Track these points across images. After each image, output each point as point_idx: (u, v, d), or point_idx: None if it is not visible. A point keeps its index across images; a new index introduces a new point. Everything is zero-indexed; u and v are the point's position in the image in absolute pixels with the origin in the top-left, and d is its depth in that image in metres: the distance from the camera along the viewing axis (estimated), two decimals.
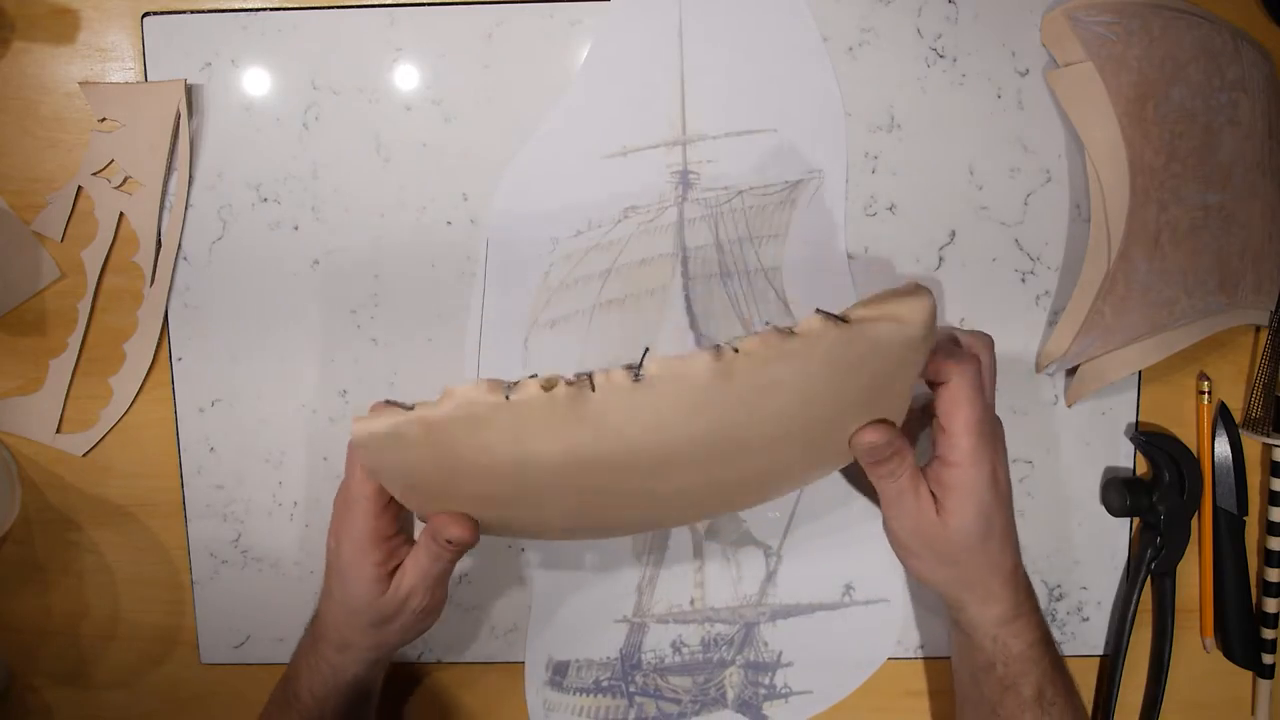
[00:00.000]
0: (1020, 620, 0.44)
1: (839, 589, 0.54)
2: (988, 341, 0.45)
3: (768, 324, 0.52)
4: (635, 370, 0.36)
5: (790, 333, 0.37)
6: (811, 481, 0.48)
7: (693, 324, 0.52)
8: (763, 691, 0.54)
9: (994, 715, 0.45)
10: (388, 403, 0.39)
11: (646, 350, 0.38)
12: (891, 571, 0.54)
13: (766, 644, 0.54)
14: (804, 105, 0.51)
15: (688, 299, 0.52)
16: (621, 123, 0.51)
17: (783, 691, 0.54)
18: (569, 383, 0.37)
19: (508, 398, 0.37)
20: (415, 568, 0.43)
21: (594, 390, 0.36)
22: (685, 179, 0.51)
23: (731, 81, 0.51)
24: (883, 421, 0.41)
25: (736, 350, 0.36)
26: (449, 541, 0.41)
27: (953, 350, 0.42)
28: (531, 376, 0.37)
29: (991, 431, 0.42)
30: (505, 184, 0.51)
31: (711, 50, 0.50)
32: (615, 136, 0.51)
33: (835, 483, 0.53)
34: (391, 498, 0.42)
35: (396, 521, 0.44)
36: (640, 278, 0.52)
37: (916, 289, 0.38)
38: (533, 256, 0.52)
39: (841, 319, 0.37)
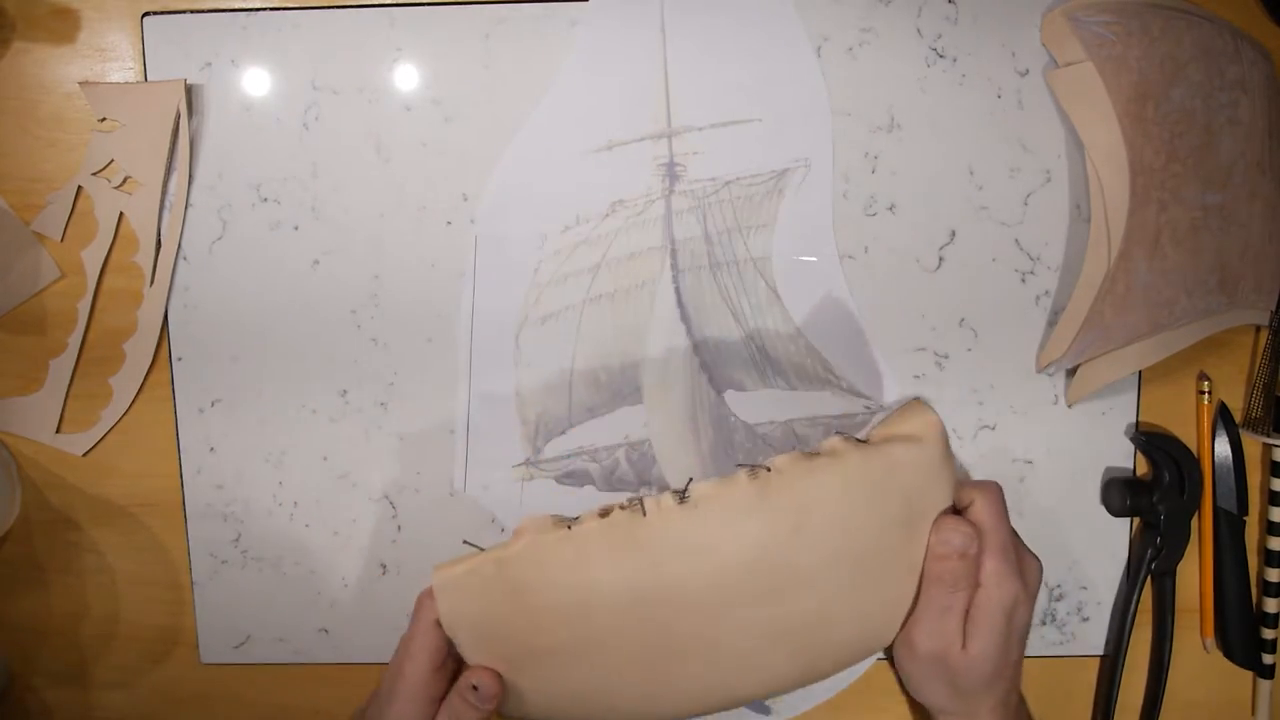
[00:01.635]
0: None
1: None
2: (998, 486, 0.44)
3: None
4: (681, 494, 0.40)
5: (815, 454, 0.41)
6: (876, 649, 0.45)
7: (683, 316, 0.52)
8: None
9: None
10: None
11: (691, 480, 0.41)
12: None
13: None
14: (788, 93, 0.51)
15: (678, 292, 0.52)
16: (606, 117, 0.51)
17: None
18: (622, 507, 0.41)
19: (570, 528, 0.40)
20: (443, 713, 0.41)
21: (645, 515, 0.40)
22: (672, 171, 0.51)
23: (715, 72, 0.51)
24: (971, 525, 0.41)
25: (769, 469, 0.41)
26: (474, 687, 0.40)
27: (973, 480, 0.43)
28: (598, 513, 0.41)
29: (1018, 562, 0.41)
30: (492, 181, 0.51)
31: (694, 41, 0.51)
32: (600, 131, 0.51)
33: None
34: (447, 657, 0.42)
35: (449, 683, 0.42)
36: (629, 272, 0.52)
37: (920, 407, 0.42)
38: (522, 253, 0.52)
39: (861, 440, 0.41)
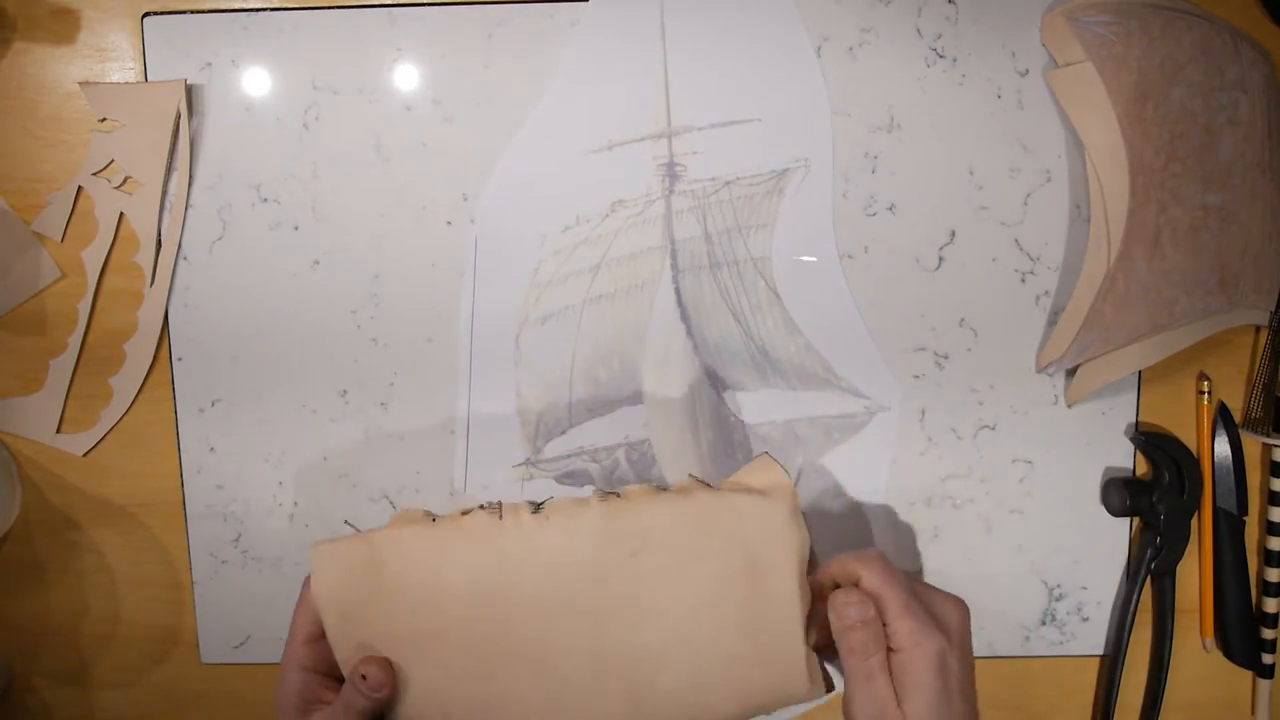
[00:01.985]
0: None
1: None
2: (877, 551, 0.43)
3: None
4: (537, 505, 0.42)
5: (665, 489, 0.43)
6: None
7: (683, 316, 0.52)
8: None
9: None
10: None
11: (550, 497, 0.43)
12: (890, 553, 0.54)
13: None
14: (788, 93, 0.51)
15: (678, 291, 0.52)
16: (606, 117, 0.51)
17: None
18: (482, 508, 0.42)
19: (434, 521, 0.42)
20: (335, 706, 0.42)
21: (501, 519, 0.42)
22: (672, 171, 0.51)
23: (715, 72, 0.51)
24: (860, 593, 0.41)
25: (619, 494, 0.42)
26: (363, 676, 0.40)
27: (855, 554, 0.42)
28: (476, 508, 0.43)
29: (934, 614, 0.41)
30: (492, 181, 0.51)
31: (694, 41, 0.51)
32: (600, 131, 0.51)
33: (831, 476, 0.53)
34: (321, 632, 0.42)
35: (323, 659, 0.43)
36: (630, 272, 0.52)
37: (770, 464, 0.43)
38: (521, 253, 0.52)
39: (708, 484, 0.43)
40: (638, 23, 0.51)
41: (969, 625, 0.42)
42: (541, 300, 0.52)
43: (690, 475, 0.44)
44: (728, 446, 0.53)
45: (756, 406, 0.53)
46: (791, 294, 0.52)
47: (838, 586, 0.42)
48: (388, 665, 0.41)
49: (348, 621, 0.41)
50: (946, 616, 0.42)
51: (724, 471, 0.53)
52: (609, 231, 0.52)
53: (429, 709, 0.41)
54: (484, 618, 0.41)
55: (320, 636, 0.42)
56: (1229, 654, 0.53)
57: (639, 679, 0.41)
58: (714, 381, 0.53)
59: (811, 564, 0.44)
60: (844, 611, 0.40)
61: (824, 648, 0.43)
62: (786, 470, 0.44)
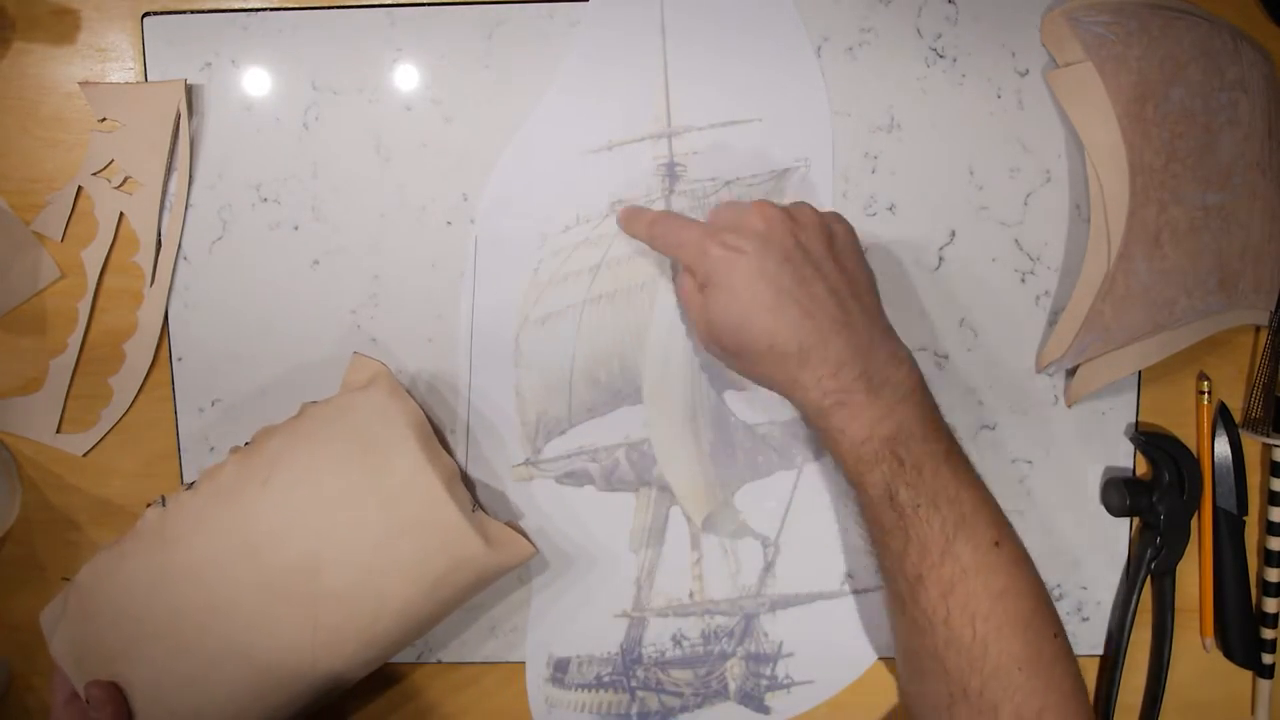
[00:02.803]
0: (845, 410, 0.41)
1: (838, 578, 0.54)
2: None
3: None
4: (190, 483, 0.46)
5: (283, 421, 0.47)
6: (395, 601, 0.45)
7: (683, 316, 0.52)
8: (764, 682, 0.54)
9: (862, 523, 0.45)
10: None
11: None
12: None
13: (767, 635, 0.54)
14: (788, 93, 0.51)
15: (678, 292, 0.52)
16: (606, 117, 0.51)
17: (784, 682, 0.54)
18: (149, 504, 0.46)
19: (117, 541, 0.46)
20: None
21: (164, 506, 0.45)
22: (672, 171, 0.51)
23: (715, 72, 0.51)
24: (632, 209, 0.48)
25: (248, 443, 0.47)
26: (87, 701, 0.43)
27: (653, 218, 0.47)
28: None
29: (732, 233, 0.43)
30: (492, 181, 0.51)
31: (694, 41, 0.51)
32: (601, 131, 0.51)
33: (831, 475, 0.53)
34: (74, 690, 0.44)
35: (84, 714, 0.44)
36: (630, 272, 0.52)
37: (362, 359, 0.50)
38: (521, 253, 0.52)
39: (316, 402, 0.48)
40: (638, 22, 0.51)
41: (785, 224, 0.43)
42: (542, 300, 0.52)
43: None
44: (728, 446, 0.53)
45: (756, 406, 0.53)
46: None
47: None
48: (108, 685, 0.43)
49: (81, 665, 0.44)
50: (748, 222, 0.43)
51: (726, 473, 0.53)
52: (609, 231, 0.52)
53: (157, 709, 0.43)
54: (164, 603, 0.43)
55: (75, 694, 0.44)
56: (1229, 654, 0.53)
57: (303, 592, 0.43)
58: (714, 381, 0.53)
59: (436, 428, 0.48)
60: (622, 228, 0.49)
61: None
62: (377, 360, 0.49)
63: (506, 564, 0.47)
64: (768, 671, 0.54)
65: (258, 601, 0.43)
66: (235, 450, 0.47)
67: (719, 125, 0.51)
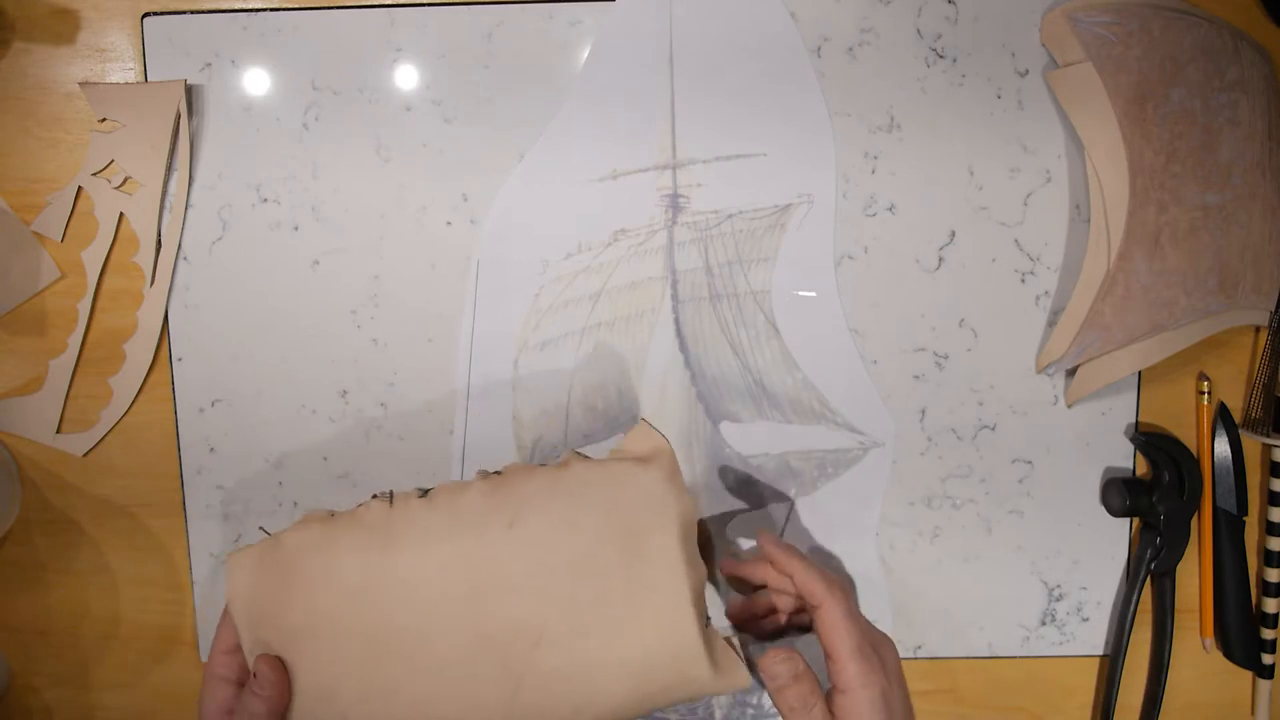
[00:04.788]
0: None
1: None
2: (842, 587, 0.43)
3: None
4: (425, 491, 0.43)
5: (545, 465, 0.43)
6: (603, 702, 0.41)
7: (682, 347, 0.52)
8: (750, 711, 0.54)
9: None
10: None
11: (437, 485, 0.44)
12: (880, 582, 0.54)
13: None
14: (793, 129, 0.51)
15: (677, 322, 0.52)
16: (611, 147, 0.51)
17: (770, 712, 0.54)
18: (375, 496, 0.43)
19: (332, 515, 0.43)
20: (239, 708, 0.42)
21: (391, 505, 0.42)
22: (675, 202, 0.51)
23: (721, 106, 0.51)
24: (787, 651, 0.41)
25: (499, 472, 0.43)
26: (254, 676, 0.41)
27: (823, 573, 0.42)
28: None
29: (876, 655, 0.41)
30: (496, 207, 0.51)
31: (701, 75, 0.51)
32: (605, 160, 0.51)
33: (823, 507, 0.53)
34: (239, 641, 0.42)
35: (241, 668, 0.43)
36: (630, 300, 0.52)
37: (648, 430, 0.43)
38: (523, 279, 0.52)
39: (588, 457, 0.43)
40: (646, 55, 0.51)
41: (899, 662, 0.43)
42: (541, 326, 0.52)
43: (571, 450, 0.44)
44: (722, 476, 0.53)
45: (751, 438, 0.53)
46: (790, 328, 0.52)
47: (760, 583, 0.42)
48: (278, 664, 0.41)
49: (254, 624, 0.41)
50: (885, 654, 0.42)
51: (717, 502, 0.53)
52: (611, 260, 0.52)
53: (323, 706, 0.41)
54: (370, 607, 0.41)
55: (238, 646, 0.42)
56: (1229, 654, 0.53)
57: (516, 656, 0.40)
58: (710, 412, 0.53)
59: (703, 534, 0.43)
60: (774, 671, 0.40)
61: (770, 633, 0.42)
62: (665, 436, 0.44)
63: (722, 690, 0.42)
64: (754, 701, 0.54)
65: (466, 648, 0.40)
66: (483, 475, 0.43)
67: (724, 159, 0.51)
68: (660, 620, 0.40)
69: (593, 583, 0.40)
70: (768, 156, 0.51)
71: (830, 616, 0.41)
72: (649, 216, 0.52)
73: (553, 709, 0.40)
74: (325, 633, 0.41)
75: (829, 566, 0.54)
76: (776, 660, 0.40)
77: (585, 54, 0.51)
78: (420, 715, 0.40)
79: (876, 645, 0.42)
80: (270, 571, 0.41)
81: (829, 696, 0.41)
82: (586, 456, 0.43)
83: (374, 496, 0.43)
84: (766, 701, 0.54)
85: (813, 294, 0.52)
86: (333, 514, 0.43)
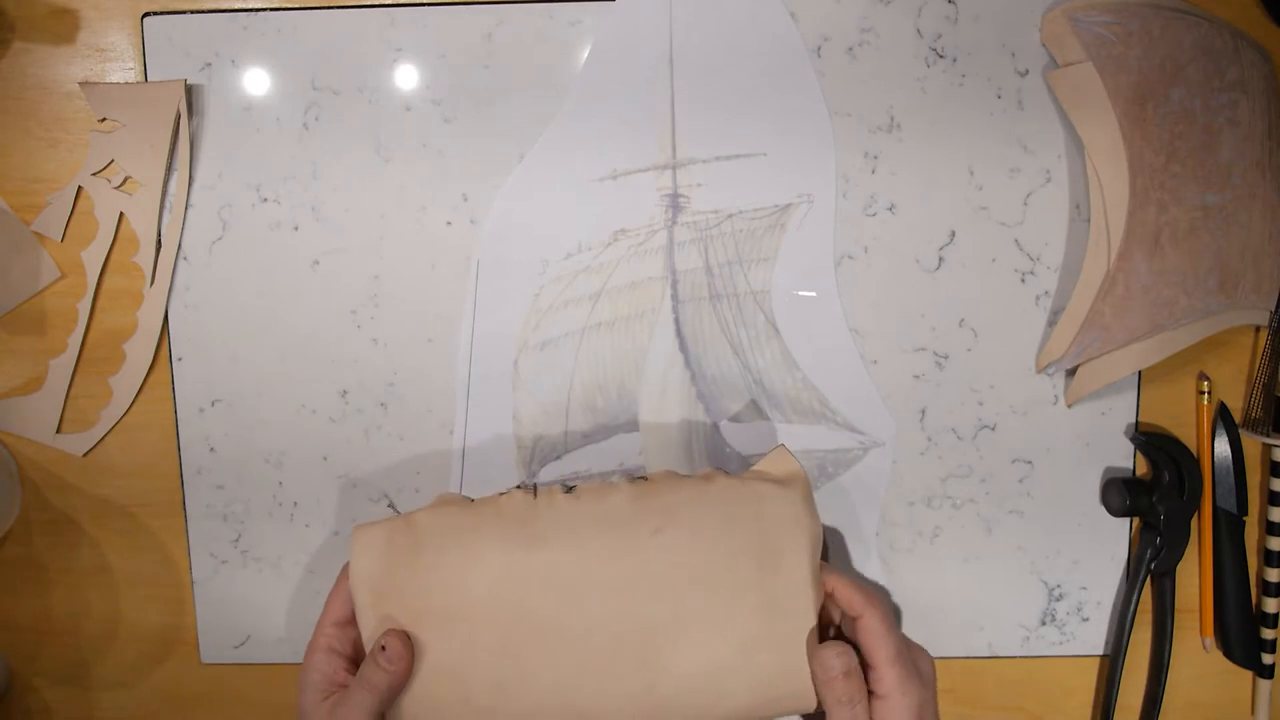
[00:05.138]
0: None
1: None
2: (880, 598, 0.44)
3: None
4: (569, 487, 0.44)
5: (690, 475, 0.44)
6: (724, 705, 0.42)
7: (681, 347, 0.52)
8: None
9: None
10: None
11: (579, 482, 0.45)
12: (880, 582, 0.54)
13: None
14: (794, 129, 0.51)
15: (677, 322, 0.52)
16: (612, 146, 0.51)
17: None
18: (519, 487, 0.44)
19: (471, 501, 0.44)
20: (355, 682, 0.42)
21: (535, 497, 0.43)
22: (675, 202, 0.51)
23: (721, 106, 0.51)
24: (844, 645, 0.42)
25: (646, 478, 0.44)
26: (382, 648, 0.41)
27: (861, 585, 0.43)
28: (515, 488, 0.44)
29: (915, 666, 0.42)
30: (496, 207, 0.51)
31: (702, 75, 0.51)
32: (605, 160, 0.51)
33: (824, 508, 0.53)
34: (354, 615, 0.43)
35: (353, 642, 0.43)
36: (630, 300, 0.52)
37: (786, 455, 0.45)
38: (523, 279, 0.52)
39: (728, 473, 0.44)
40: (646, 55, 0.51)
41: (935, 674, 0.44)
42: (541, 326, 0.52)
43: (717, 468, 0.45)
44: None
45: (751, 438, 0.53)
46: (790, 328, 0.52)
47: (829, 597, 0.43)
48: (407, 639, 0.41)
49: (379, 600, 0.42)
50: (924, 667, 0.43)
51: None
52: (611, 260, 0.52)
53: (447, 687, 0.42)
54: (509, 596, 0.42)
55: (350, 620, 0.43)
56: (1229, 654, 0.53)
57: (653, 656, 0.41)
58: (710, 412, 0.53)
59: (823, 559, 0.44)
60: (831, 663, 0.41)
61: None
62: (799, 461, 0.45)
63: (810, 706, 0.43)
64: None
65: (605, 643, 0.41)
66: (630, 478, 0.45)
67: (724, 158, 0.51)
68: (787, 637, 0.42)
69: (730, 595, 0.42)
70: (768, 156, 0.51)
71: (871, 625, 0.42)
72: (649, 216, 0.52)
73: (683, 707, 0.42)
74: (461, 616, 0.41)
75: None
76: (835, 652, 0.41)
77: (585, 54, 0.51)
78: (556, 704, 0.42)
79: (915, 656, 0.43)
80: (400, 550, 0.42)
81: (872, 701, 0.42)
82: (726, 473, 0.44)
83: (517, 487, 0.44)
84: None
85: (813, 294, 0.52)
86: (470, 500, 0.44)
